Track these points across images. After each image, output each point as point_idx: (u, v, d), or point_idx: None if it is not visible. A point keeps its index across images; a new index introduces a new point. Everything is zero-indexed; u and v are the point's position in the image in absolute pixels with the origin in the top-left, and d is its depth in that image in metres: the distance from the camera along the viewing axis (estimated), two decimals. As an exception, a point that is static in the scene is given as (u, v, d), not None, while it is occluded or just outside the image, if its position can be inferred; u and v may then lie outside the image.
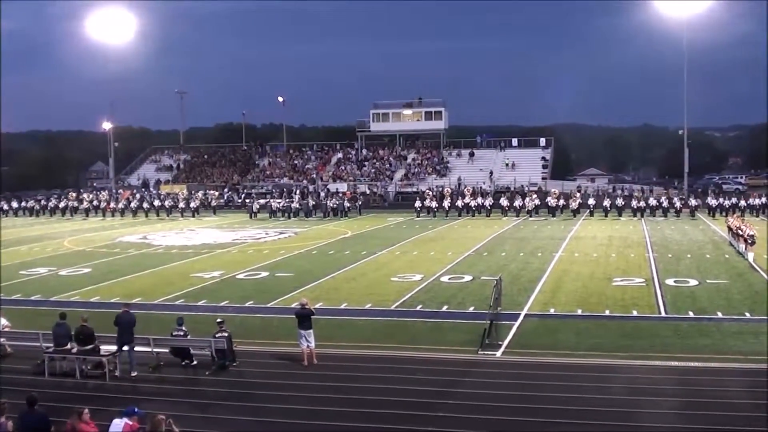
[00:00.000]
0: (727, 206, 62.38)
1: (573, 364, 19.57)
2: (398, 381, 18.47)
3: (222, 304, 28.34)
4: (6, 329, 22.12)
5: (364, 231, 55.11)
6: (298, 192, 79.41)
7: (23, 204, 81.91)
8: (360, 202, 74.73)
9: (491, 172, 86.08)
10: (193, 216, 72.42)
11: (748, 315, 24.77)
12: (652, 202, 65.22)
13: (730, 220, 44.72)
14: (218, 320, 20.87)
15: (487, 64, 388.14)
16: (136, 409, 13.47)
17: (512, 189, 77.99)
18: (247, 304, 28.24)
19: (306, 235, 52.80)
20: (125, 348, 19.80)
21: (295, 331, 20.56)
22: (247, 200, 78.02)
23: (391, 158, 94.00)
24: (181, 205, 75.77)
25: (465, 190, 74.71)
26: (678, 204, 64.40)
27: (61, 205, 79.33)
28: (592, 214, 64.16)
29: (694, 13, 77.80)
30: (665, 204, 64.38)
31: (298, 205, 71.23)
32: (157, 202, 78.66)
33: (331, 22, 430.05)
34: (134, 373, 19.57)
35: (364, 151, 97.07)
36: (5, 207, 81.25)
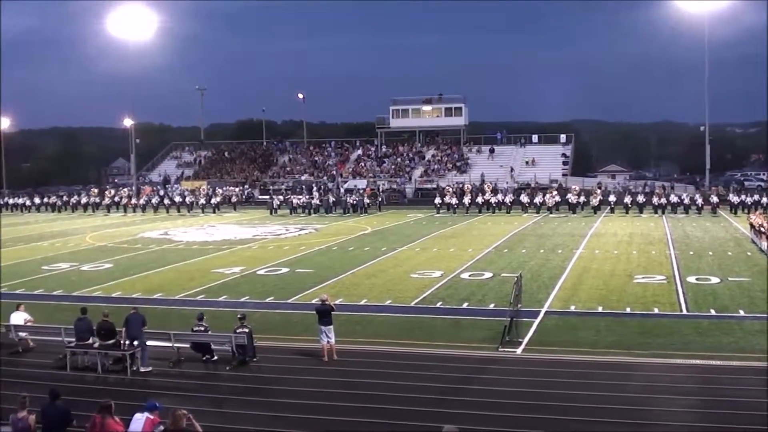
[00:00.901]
0: (750, 203, 61.98)
1: (593, 361, 19.53)
2: (418, 377, 18.46)
3: (242, 299, 28.44)
4: (28, 324, 22.28)
5: (384, 227, 55.13)
6: (314, 189, 79.49)
7: (45, 200, 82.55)
8: (380, 199, 74.79)
9: (512, 168, 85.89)
10: (214, 212, 72.68)
11: (770, 313, 24.61)
12: (674, 198, 64.87)
13: (753, 217, 44.48)
14: (239, 315, 20.93)
15: (507, 59, 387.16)
16: (157, 404, 13.52)
17: (532, 185, 77.81)
18: (267, 300, 28.32)
19: (326, 232, 52.86)
20: (135, 342, 19.86)
21: (315, 327, 20.62)
22: (269, 197, 78.16)
23: (410, 154, 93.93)
24: (202, 201, 76.08)
25: (485, 186, 74.59)
26: (699, 201, 64.04)
27: (83, 201, 79.91)
28: (612, 210, 63.89)
29: (715, 8, 77.30)
30: (686, 201, 64.16)
31: (318, 202, 71.34)
32: (177, 198, 78.96)
33: (351, 18, 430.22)
34: (143, 369, 19.65)
35: (384, 148, 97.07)
36: (27, 203, 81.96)
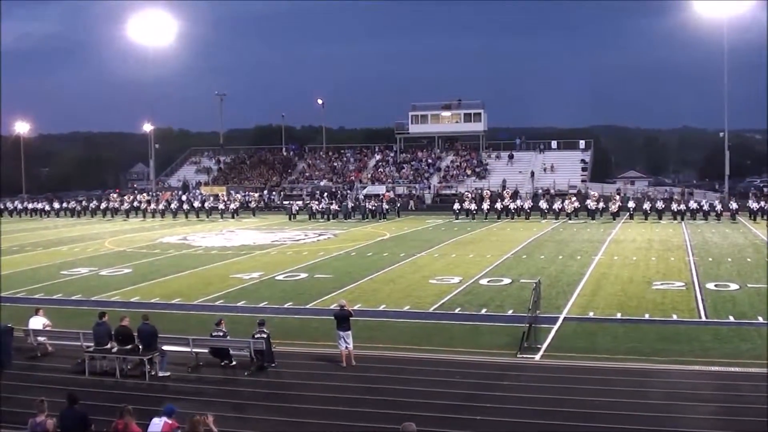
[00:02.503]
0: (769, 209, 61.59)
1: (611, 368, 19.44)
2: (436, 383, 18.44)
3: (261, 305, 28.45)
4: (47, 328, 22.37)
5: (403, 233, 55.11)
6: (326, 195, 79.60)
7: (64, 204, 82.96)
8: (399, 204, 74.81)
9: (532, 173, 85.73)
10: (233, 217, 72.84)
11: (790, 320, 24.45)
12: (693, 205, 64.60)
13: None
14: (258, 321, 20.93)
15: (525, 65, 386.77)
16: (175, 409, 13.56)
17: (551, 191, 77.64)
18: (286, 305, 28.34)
19: (345, 237, 52.90)
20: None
21: (333, 333, 20.63)
22: (286, 202, 78.26)
23: (429, 160, 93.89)
24: (221, 206, 76.30)
25: (504, 192, 74.47)
26: (718, 207, 63.71)
27: (102, 205, 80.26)
28: (631, 216, 63.69)
29: (734, 13, 76.94)
30: (706, 207, 63.86)
31: (337, 207, 71.40)
32: (196, 204, 79.19)
33: (371, 23, 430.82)
34: (161, 374, 19.69)
35: (403, 154, 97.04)
36: (47, 207, 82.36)
